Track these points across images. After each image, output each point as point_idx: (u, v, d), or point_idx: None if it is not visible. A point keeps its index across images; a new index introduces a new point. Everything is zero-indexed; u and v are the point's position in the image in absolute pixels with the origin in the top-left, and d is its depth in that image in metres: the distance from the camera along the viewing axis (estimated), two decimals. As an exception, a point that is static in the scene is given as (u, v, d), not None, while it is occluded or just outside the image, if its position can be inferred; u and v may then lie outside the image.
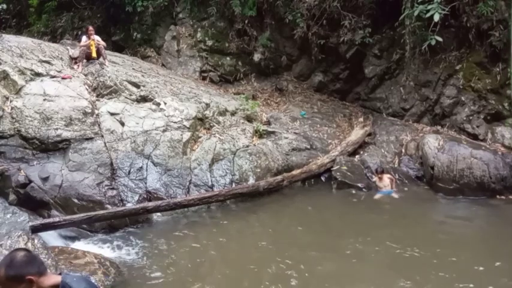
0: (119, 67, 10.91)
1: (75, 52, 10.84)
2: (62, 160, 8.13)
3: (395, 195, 8.92)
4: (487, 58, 10.20)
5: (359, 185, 9.26)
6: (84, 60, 10.43)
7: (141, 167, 8.45)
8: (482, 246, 6.82)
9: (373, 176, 9.48)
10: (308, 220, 7.91)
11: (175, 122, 9.38)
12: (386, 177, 9.17)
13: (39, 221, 6.87)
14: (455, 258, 6.35)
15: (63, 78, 9.47)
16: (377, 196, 8.92)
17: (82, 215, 7.11)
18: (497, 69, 10.10)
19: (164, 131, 9.13)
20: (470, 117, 10.31)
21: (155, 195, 8.15)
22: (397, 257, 6.49)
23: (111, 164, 8.32)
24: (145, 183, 8.29)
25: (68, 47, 11.44)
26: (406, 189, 9.32)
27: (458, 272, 5.97)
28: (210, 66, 13.41)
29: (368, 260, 6.40)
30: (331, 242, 7.01)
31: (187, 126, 9.43)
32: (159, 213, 7.93)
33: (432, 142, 9.63)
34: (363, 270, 6.17)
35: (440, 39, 9.21)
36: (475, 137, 10.11)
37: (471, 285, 5.63)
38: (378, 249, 6.68)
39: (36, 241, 5.72)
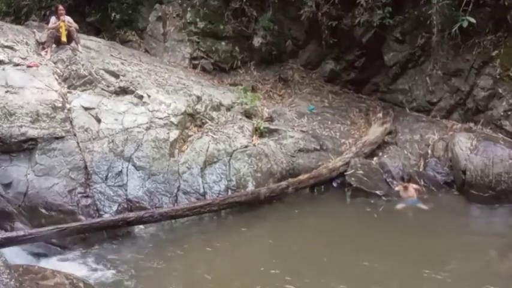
0: (94, 53, 10.89)
1: (42, 36, 10.83)
2: (28, 163, 8.13)
3: (421, 206, 8.90)
4: (528, 42, 10.20)
5: (377, 192, 9.25)
6: (53, 45, 10.42)
7: (121, 171, 8.44)
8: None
9: (395, 182, 9.47)
10: (317, 235, 7.88)
11: (160, 118, 9.37)
12: (412, 187, 9.15)
13: (1, 234, 6.84)
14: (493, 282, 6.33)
15: (28, 66, 9.47)
16: (399, 206, 8.91)
17: (51, 227, 7.10)
18: (541, 56, 10.09)
19: (148, 128, 9.12)
20: (509, 113, 10.27)
21: (137, 205, 8.15)
22: (422, 282, 6.46)
23: (85, 167, 8.32)
24: (126, 190, 8.29)
25: (35, 30, 11.43)
26: (433, 197, 9.30)
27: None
28: (202, 53, 13.38)
29: (388, 286, 6.39)
30: (344, 264, 6.99)
31: (175, 123, 9.43)
32: (141, 226, 7.92)
33: (464, 142, 9.62)
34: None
35: (473, 20, 9.19)
36: (514, 135, 10.11)
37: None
38: (400, 272, 6.67)
39: (-4, 258, 5.69)
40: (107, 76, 10.05)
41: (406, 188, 9.13)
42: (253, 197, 8.71)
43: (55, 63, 10.04)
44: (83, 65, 9.91)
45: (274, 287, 6.31)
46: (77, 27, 10.81)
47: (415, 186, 9.23)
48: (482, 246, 7.42)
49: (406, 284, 6.44)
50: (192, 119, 9.90)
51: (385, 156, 10.33)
